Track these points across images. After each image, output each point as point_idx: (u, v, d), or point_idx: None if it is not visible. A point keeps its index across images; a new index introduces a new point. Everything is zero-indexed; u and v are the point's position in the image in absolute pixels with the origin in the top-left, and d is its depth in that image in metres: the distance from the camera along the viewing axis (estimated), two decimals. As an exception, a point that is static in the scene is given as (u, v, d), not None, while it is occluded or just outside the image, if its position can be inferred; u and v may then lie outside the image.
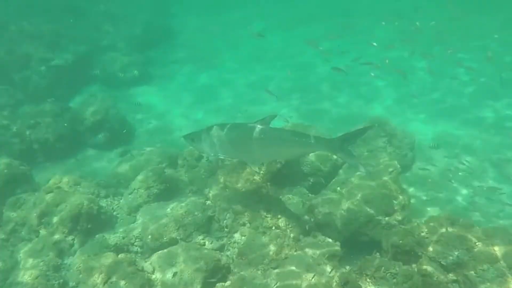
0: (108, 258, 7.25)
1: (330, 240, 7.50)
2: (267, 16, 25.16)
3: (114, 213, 9.26)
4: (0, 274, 8.09)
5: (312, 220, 8.23)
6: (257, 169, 8.14)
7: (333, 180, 8.95)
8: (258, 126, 6.49)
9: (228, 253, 7.59)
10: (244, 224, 7.65)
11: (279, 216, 7.63)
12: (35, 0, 19.82)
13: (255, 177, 8.07)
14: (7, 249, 8.56)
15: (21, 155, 11.74)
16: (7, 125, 12.08)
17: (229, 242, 7.64)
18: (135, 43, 19.93)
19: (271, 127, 6.56)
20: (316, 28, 22.15)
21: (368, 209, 7.89)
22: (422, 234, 7.05)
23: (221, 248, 7.72)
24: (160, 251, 7.45)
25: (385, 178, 8.32)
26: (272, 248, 7.21)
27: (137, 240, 7.90)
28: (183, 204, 8.19)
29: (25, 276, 7.51)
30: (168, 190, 9.33)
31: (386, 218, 7.88)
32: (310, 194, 9.07)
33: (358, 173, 8.61)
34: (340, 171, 9.26)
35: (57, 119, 12.64)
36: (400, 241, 7.11)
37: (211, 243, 7.75)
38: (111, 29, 20.40)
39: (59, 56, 17.01)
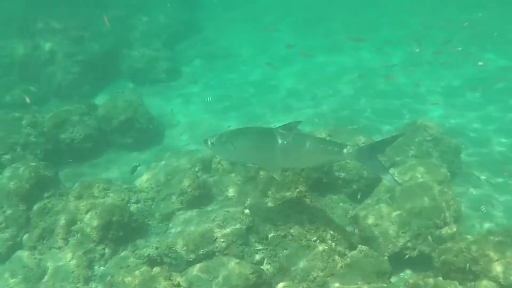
0: (142, 272, 6.93)
1: (377, 254, 7.08)
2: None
3: (146, 220, 8.98)
4: (28, 283, 7.89)
5: (356, 231, 7.85)
6: (297, 179, 7.73)
7: (377, 188, 8.52)
8: (281, 131, 6.21)
9: (268, 266, 7.23)
10: (285, 236, 7.27)
11: (323, 228, 7.24)
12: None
13: (298, 186, 7.66)
14: (34, 257, 8.33)
15: (47, 155, 11.54)
16: (33, 123, 11.85)
17: (269, 255, 7.28)
18: (163, 37, 19.55)
19: (295, 132, 6.25)
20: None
21: (418, 221, 7.46)
22: (478, 250, 6.58)
23: (260, 262, 7.37)
24: (196, 265, 7.13)
25: (435, 187, 7.86)
26: (317, 263, 6.83)
27: (171, 251, 7.57)
28: (219, 214, 7.87)
29: (54, 288, 7.25)
30: (202, 197, 9.01)
31: (437, 232, 7.45)
32: (352, 203, 8.69)
33: (400, 181, 8.21)
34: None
35: (84, 118, 12.39)
36: (455, 258, 6.69)
37: (250, 256, 7.39)
38: (138, 22, 20.05)
39: (85, 50, 16.84)
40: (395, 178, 6.76)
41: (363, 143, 9.06)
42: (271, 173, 7.45)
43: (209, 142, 6.83)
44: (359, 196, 8.64)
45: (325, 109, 14.66)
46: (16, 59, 16.24)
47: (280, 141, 6.19)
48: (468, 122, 13.33)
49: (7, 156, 11.20)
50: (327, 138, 9.16)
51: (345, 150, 6.01)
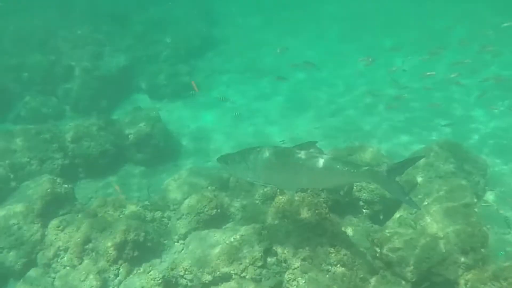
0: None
1: (401, 280, 6.86)
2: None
3: (161, 239, 8.86)
4: (41, 303, 7.80)
5: (378, 255, 7.62)
6: (317, 200, 7.56)
7: (399, 210, 8.30)
8: (297, 151, 6.07)
9: (286, 291, 7.03)
10: (305, 260, 7.07)
11: (344, 251, 7.03)
12: (79, 8, 19.85)
13: (318, 208, 7.47)
14: (48, 275, 8.26)
15: (63, 170, 11.55)
16: (50, 139, 11.87)
17: (288, 279, 7.07)
18: (179, 52, 19.63)
19: (311, 152, 6.08)
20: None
21: (443, 246, 7.20)
22: (508, 279, 6.33)
23: (278, 286, 7.15)
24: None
25: (462, 210, 7.62)
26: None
27: (186, 272, 7.42)
28: (237, 235, 7.69)
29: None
30: (219, 216, 8.88)
31: (463, 258, 7.17)
32: (373, 225, 8.48)
33: (424, 203, 8.00)
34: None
35: (101, 134, 12.39)
36: (482, 286, 6.44)
37: (268, 279, 7.19)
38: (155, 38, 20.18)
39: (103, 66, 16.96)
40: (414, 201, 6.55)
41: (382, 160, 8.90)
42: (286, 192, 7.49)
43: (223, 161, 6.70)
44: (381, 217, 8.42)
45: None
46: (35, 73, 16.37)
47: (296, 161, 6.06)
48: None
49: (24, 171, 11.19)
50: (347, 158, 9.03)
51: (362, 172, 5.87)
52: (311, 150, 6.10)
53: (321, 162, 5.99)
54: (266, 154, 6.30)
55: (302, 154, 6.06)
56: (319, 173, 6.00)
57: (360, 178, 6.01)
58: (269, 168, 6.30)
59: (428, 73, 13.83)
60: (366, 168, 5.91)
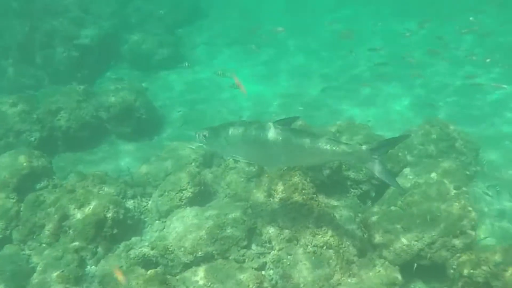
0: (136, 275, 6.63)
1: (388, 264, 6.76)
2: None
3: (142, 216, 8.67)
4: (15, 281, 7.58)
5: (365, 236, 7.51)
6: (304, 180, 7.38)
7: (388, 190, 8.19)
8: (278, 127, 5.87)
9: (271, 272, 6.90)
10: (290, 241, 6.94)
11: (331, 233, 6.90)
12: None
13: (305, 188, 7.30)
14: (23, 252, 8.04)
15: (41, 143, 11.26)
16: (27, 110, 11.51)
17: (272, 260, 6.94)
18: (164, 21, 19.12)
19: (292, 128, 5.92)
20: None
21: (432, 229, 7.11)
22: (497, 263, 6.25)
23: (262, 267, 7.03)
24: (194, 268, 6.83)
25: (452, 192, 7.51)
26: (323, 271, 6.50)
27: (167, 252, 7.25)
28: (220, 213, 7.51)
29: (43, 288, 6.94)
30: (202, 194, 8.68)
31: (452, 241, 7.08)
32: (361, 205, 8.35)
33: (414, 184, 7.90)
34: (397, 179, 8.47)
35: (81, 105, 12.05)
36: (472, 271, 6.36)
37: (251, 260, 7.05)
38: (139, 4, 19.60)
39: (84, 33, 16.43)
40: (399, 183, 6.46)
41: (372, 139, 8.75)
42: (266, 169, 7.35)
43: (201, 135, 6.44)
44: (370, 199, 8.30)
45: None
46: (12, 40, 15.85)
47: (276, 138, 5.86)
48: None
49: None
50: (337, 135, 8.85)
51: (343, 149, 5.70)
52: (291, 126, 5.93)
53: (301, 139, 5.80)
54: (245, 129, 6.06)
55: (281, 130, 5.85)
56: (299, 151, 5.82)
57: (341, 156, 5.81)
58: (248, 144, 6.08)
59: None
60: (348, 145, 5.74)
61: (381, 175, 5.75)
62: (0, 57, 15.52)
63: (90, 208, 7.93)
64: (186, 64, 14.15)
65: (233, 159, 6.88)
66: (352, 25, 18.65)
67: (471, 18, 15.35)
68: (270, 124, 5.97)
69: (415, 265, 6.99)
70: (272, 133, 5.88)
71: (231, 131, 6.13)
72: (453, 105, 13.69)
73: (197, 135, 6.50)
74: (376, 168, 5.71)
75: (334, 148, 5.71)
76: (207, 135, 6.38)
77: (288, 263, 6.73)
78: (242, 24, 20.61)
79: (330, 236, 6.85)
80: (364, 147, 5.76)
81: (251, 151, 6.20)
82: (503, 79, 14.34)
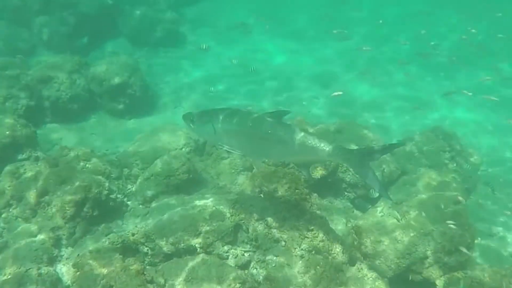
0: (113, 261, 6.38)
1: (377, 276, 6.56)
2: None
3: (125, 199, 8.40)
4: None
5: (356, 243, 7.30)
6: (299, 179, 7.15)
7: (383, 198, 7.98)
8: (269, 119, 5.62)
9: (254, 271, 6.65)
10: (278, 241, 6.70)
11: (321, 237, 6.66)
12: None
13: (298, 187, 7.06)
14: (-2, 225, 7.76)
15: (28, 112, 10.94)
16: (16, 75, 11.18)
17: (257, 260, 6.70)
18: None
19: (284, 123, 5.68)
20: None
21: (426, 244, 6.90)
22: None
23: (246, 265, 6.78)
24: (174, 261, 6.59)
25: (450, 207, 7.31)
26: (309, 278, 6.27)
27: (148, 240, 6.99)
28: (207, 205, 7.24)
29: (13, 267, 6.67)
30: (190, 182, 8.42)
31: (446, 258, 6.88)
32: (355, 210, 8.14)
33: (412, 194, 7.70)
34: (393, 187, 8.29)
35: (73, 76, 11.73)
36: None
37: (235, 257, 6.80)
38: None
39: (83, 1, 15.98)
40: (387, 192, 6.31)
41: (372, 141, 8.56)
42: (252, 162, 7.16)
43: (188, 119, 6.09)
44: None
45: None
46: (7, 3, 15.40)
47: (264, 130, 5.61)
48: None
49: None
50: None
51: (331, 149, 5.42)
52: (281, 119, 5.69)
53: (289, 134, 5.54)
54: (235, 118, 5.77)
55: (273, 124, 5.60)
56: (286, 146, 5.58)
57: (331, 157, 5.54)
58: (236, 134, 5.83)
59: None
60: (335, 146, 5.46)
61: (370, 181, 5.46)
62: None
63: (72, 186, 7.63)
64: (204, 46, 13.37)
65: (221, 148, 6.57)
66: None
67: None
68: (261, 115, 5.71)
69: (410, 277, 6.78)
70: (260, 125, 5.64)
71: (220, 118, 5.83)
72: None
73: (184, 118, 6.17)
74: (365, 174, 5.40)
75: (324, 148, 5.45)
76: (194, 119, 6.07)
77: (274, 264, 6.49)
78: (250, 7, 20.13)
79: (320, 241, 6.61)
80: (357, 150, 5.59)
81: (238, 142, 5.93)
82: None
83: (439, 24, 18.78)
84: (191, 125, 6.13)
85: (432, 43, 15.00)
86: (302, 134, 5.56)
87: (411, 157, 9.20)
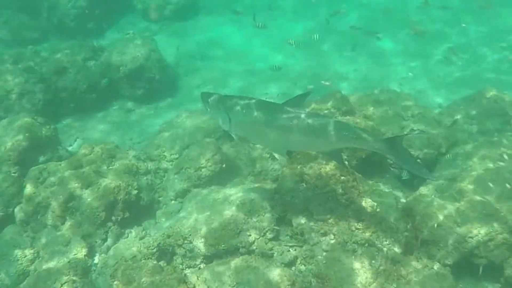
0: (151, 270, 6.05)
1: (439, 266, 6.08)
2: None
3: (156, 195, 8.02)
4: (19, 268, 7.05)
5: (409, 226, 6.79)
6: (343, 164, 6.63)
7: (436, 171, 7.45)
8: (289, 110, 5.21)
9: (303, 268, 6.22)
10: (326, 234, 6.24)
11: (373, 228, 6.17)
12: None
13: (344, 174, 6.54)
14: (27, 234, 7.48)
15: (45, 106, 10.62)
16: (30, 68, 10.79)
17: (304, 256, 6.26)
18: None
19: (307, 112, 5.26)
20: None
21: (490, 224, 6.33)
22: None
23: (293, 262, 6.34)
24: (215, 264, 6.19)
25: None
26: (364, 274, 5.83)
27: (185, 242, 6.62)
28: (244, 198, 6.80)
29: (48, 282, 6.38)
30: (223, 171, 7.97)
31: (513, 238, 6.32)
32: (403, 189, 7.60)
33: (468, 167, 7.12)
34: (445, 159, 7.73)
35: (89, 64, 11.30)
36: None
37: (281, 255, 6.37)
38: None
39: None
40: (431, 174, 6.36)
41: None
42: (275, 154, 6.94)
43: (205, 100, 5.70)
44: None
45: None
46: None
47: (285, 123, 5.21)
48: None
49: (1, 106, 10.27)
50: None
51: (367, 138, 5.03)
52: (304, 104, 5.35)
53: (317, 124, 5.15)
54: (251, 109, 5.39)
55: (292, 114, 5.19)
56: (315, 137, 5.21)
57: (363, 145, 5.19)
58: (252, 128, 5.51)
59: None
60: (371, 135, 5.12)
61: (411, 167, 5.21)
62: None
63: (99, 188, 7.29)
64: (259, 24, 12.09)
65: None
66: None
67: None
68: (280, 107, 5.30)
69: (481, 267, 6.27)
70: (281, 117, 5.23)
71: (236, 109, 5.45)
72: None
73: (202, 98, 5.79)
74: (405, 159, 5.11)
75: (354, 136, 5.07)
76: (210, 101, 5.66)
77: (324, 261, 6.04)
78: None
79: (372, 232, 6.13)
80: (389, 137, 5.45)
81: (255, 135, 5.69)
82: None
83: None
84: (207, 108, 5.75)
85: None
86: (329, 124, 5.13)
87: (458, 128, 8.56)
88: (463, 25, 14.25)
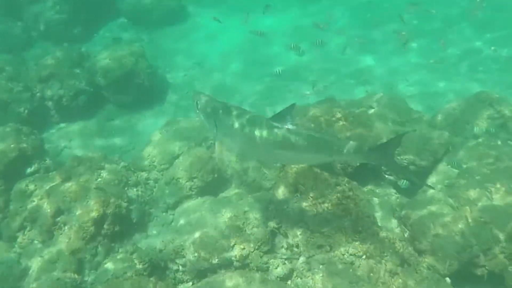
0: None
1: (438, 277, 5.97)
2: None
3: (146, 207, 7.85)
4: (5, 285, 6.85)
5: (406, 235, 6.69)
6: (337, 173, 6.52)
7: (432, 176, 7.35)
8: (275, 125, 5.13)
9: (299, 281, 6.09)
10: (322, 247, 6.11)
11: (371, 239, 6.05)
12: None
13: (339, 183, 6.43)
14: (14, 251, 7.26)
15: (31, 115, 10.40)
16: (14, 76, 10.59)
17: (301, 269, 6.12)
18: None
19: (293, 129, 5.12)
20: None
21: (490, 232, 6.23)
22: None
23: (289, 275, 6.21)
24: (210, 280, 6.04)
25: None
26: (363, 287, 5.69)
27: (178, 256, 6.46)
28: (238, 209, 6.68)
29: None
30: (215, 180, 7.83)
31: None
32: (399, 195, 7.49)
33: (465, 174, 7.02)
34: (441, 166, 7.61)
35: (75, 71, 11.06)
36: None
37: (276, 268, 6.23)
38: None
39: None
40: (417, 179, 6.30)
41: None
42: (262, 166, 7.01)
43: (196, 99, 5.61)
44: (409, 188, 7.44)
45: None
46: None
47: (273, 138, 5.13)
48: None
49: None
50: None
51: (355, 151, 4.99)
52: (291, 115, 5.20)
53: (303, 139, 5.09)
54: (237, 121, 5.29)
55: (279, 130, 5.12)
56: (301, 152, 5.15)
57: (351, 158, 5.38)
58: (239, 141, 5.43)
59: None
60: (359, 147, 5.06)
61: (399, 172, 5.95)
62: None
63: (87, 201, 7.10)
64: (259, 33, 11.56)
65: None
66: None
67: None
68: (266, 121, 5.19)
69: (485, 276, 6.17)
70: (268, 133, 5.14)
71: (224, 117, 5.37)
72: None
73: (193, 99, 5.69)
74: (393, 166, 5.45)
75: (342, 150, 5.02)
76: (200, 104, 5.56)
77: (321, 274, 5.91)
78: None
79: (370, 243, 6.00)
80: (377, 146, 5.53)
81: (240, 147, 5.64)
82: None
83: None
84: (197, 110, 5.66)
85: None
86: (315, 139, 5.11)
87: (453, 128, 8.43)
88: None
